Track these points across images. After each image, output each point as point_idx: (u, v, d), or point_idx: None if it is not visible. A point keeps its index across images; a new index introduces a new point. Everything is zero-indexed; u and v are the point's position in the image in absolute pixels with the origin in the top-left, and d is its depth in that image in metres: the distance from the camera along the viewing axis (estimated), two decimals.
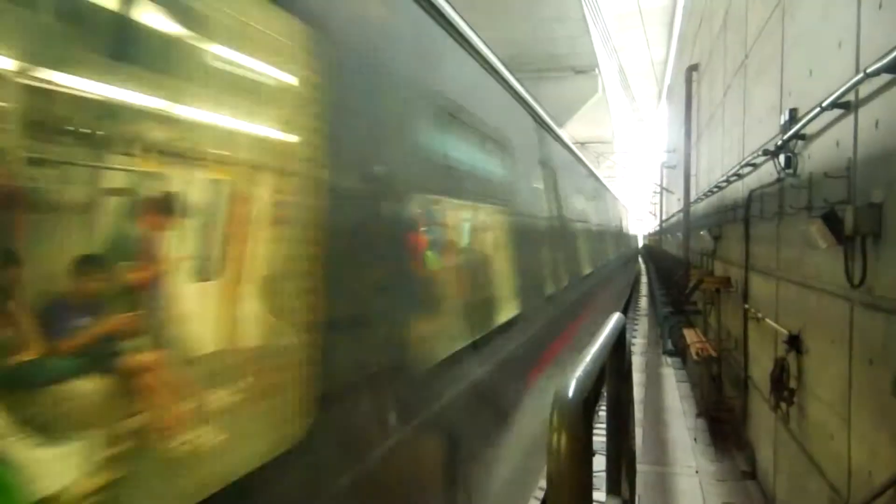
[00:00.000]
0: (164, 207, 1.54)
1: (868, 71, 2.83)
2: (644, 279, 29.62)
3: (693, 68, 12.77)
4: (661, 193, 25.02)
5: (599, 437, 1.85)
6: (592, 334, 1.68)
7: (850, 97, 3.31)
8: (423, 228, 2.54)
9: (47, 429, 1.19)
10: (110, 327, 1.40)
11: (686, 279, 11.61)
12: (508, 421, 3.45)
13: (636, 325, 16.15)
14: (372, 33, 2.10)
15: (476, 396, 2.81)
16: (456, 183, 3.02)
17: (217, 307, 1.65)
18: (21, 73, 1.15)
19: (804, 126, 4.06)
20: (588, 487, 1.23)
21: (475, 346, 2.88)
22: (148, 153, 1.39)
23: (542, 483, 4.02)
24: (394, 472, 1.95)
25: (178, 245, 1.63)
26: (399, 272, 2.11)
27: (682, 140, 13.54)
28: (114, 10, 1.33)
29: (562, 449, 1.15)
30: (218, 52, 1.55)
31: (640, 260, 35.55)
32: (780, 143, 4.60)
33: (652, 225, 36.29)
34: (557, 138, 6.64)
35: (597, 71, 22.30)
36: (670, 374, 10.56)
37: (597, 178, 12.09)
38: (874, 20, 3.10)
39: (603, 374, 1.63)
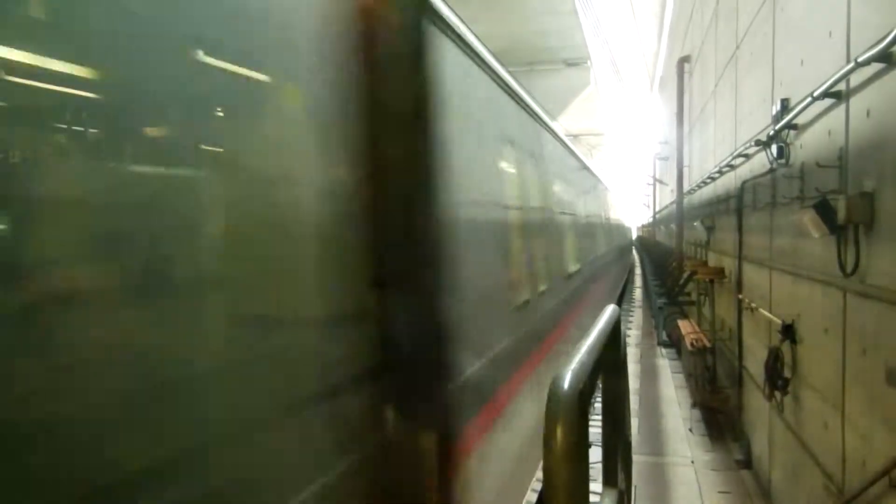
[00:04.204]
0: None
1: (859, 60, 2.83)
2: (638, 270, 29.70)
3: (685, 59, 12.78)
4: (655, 185, 25.06)
5: (595, 429, 1.86)
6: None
7: (842, 86, 3.31)
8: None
9: None
10: None
11: (679, 270, 11.66)
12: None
13: (631, 316, 16.20)
14: None
15: None
16: None
17: None
18: None
19: (796, 116, 4.07)
20: (584, 479, 1.23)
21: None
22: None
23: (540, 475, 4.03)
24: None
25: None
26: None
27: (674, 131, 13.56)
28: None
29: (558, 441, 1.15)
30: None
31: (635, 251, 35.65)
32: (772, 133, 4.61)
33: (646, 216, 36.37)
34: (543, 124, 6.45)
35: (589, 63, 22.32)
36: (665, 364, 10.61)
37: (588, 169, 12.03)
38: (864, 9, 3.10)
39: (598, 366, 1.62)
